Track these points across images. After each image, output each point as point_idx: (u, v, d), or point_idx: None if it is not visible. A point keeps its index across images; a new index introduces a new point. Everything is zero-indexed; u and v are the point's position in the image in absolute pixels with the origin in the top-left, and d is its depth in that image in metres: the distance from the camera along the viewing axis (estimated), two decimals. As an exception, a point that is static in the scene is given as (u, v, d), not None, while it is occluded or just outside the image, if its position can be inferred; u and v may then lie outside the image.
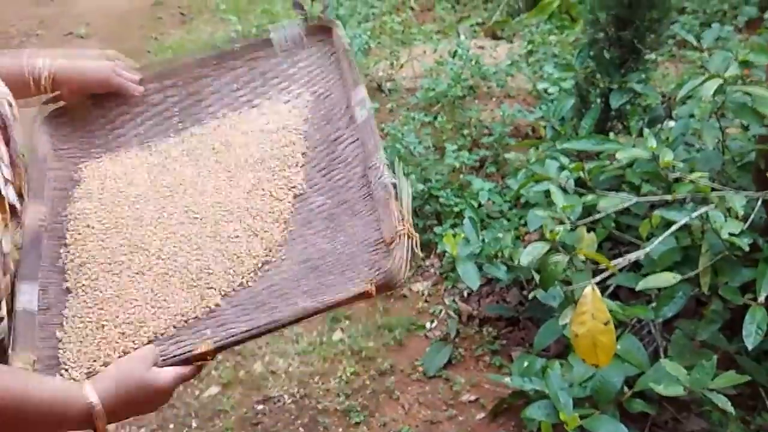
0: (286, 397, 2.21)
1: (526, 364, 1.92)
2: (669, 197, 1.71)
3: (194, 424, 2.15)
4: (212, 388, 2.24)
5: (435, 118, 3.08)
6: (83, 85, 1.31)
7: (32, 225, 1.18)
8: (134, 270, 1.15)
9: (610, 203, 1.74)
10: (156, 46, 4.35)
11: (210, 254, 1.15)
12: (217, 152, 1.29)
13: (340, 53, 1.37)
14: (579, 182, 1.85)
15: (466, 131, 3.01)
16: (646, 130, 1.83)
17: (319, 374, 2.27)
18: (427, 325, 2.39)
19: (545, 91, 3.03)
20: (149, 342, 1.08)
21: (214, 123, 1.35)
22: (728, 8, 3.80)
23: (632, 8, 2.21)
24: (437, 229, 2.59)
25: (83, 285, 1.15)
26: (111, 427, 1.01)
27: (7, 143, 1.13)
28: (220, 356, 2.27)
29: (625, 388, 1.75)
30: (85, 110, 1.35)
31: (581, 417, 1.65)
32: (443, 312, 2.42)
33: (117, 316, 1.10)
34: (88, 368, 1.06)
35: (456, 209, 2.62)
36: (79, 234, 1.21)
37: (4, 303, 1.08)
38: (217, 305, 1.11)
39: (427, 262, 2.61)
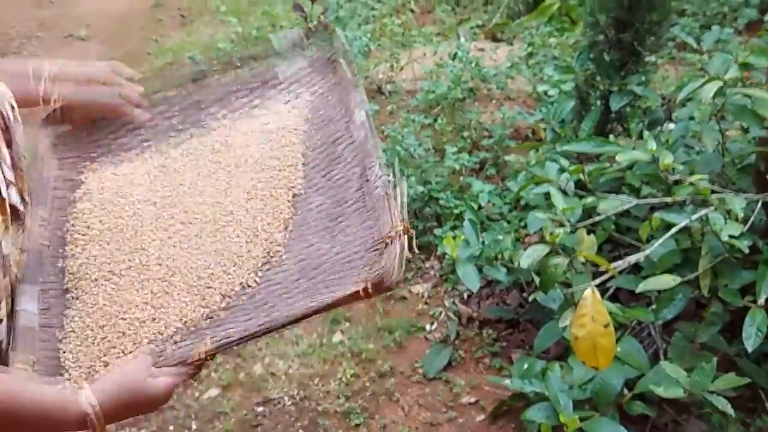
0: (286, 399, 2.21)
1: (526, 366, 1.92)
2: (669, 199, 1.71)
3: (194, 426, 2.15)
4: (212, 390, 2.24)
5: (435, 120, 3.08)
6: (91, 114, 1.32)
7: (32, 229, 1.18)
8: (134, 271, 1.15)
9: (610, 205, 1.74)
10: (156, 48, 4.35)
11: (210, 255, 1.16)
12: (216, 152, 1.29)
13: (340, 57, 1.37)
14: (579, 184, 1.85)
15: (466, 133, 3.02)
16: (646, 133, 1.83)
17: (319, 376, 2.27)
18: (427, 327, 2.40)
19: (545, 93, 3.04)
20: (149, 342, 1.08)
21: (214, 124, 1.36)
22: (728, 11, 3.80)
23: (632, 11, 2.21)
24: (437, 231, 2.59)
25: (83, 286, 1.15)
26: (110, 427, 1.02)
27: (9, 145, 1.13)
28: (220, 358, 2.27)
29: (625, 390, 1.75)
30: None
31: (581, 419, 1.65)
32: (443, 314, 2.42)
33: (117, 317, 1.10)
34: (89, 368, 1.07)
35: (456, 211, 2.62)
36: (80, 235, 1.21)
37: (3, 304, 1.09)
38: (216, 306, 1.12)
39: (427, 264, 2.61)
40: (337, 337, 2.39)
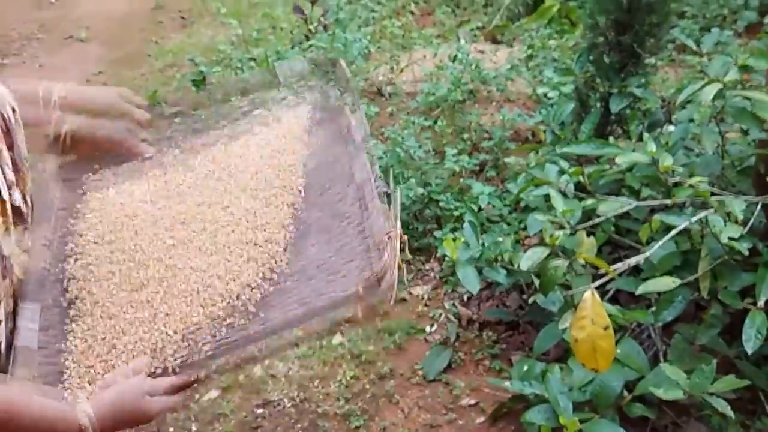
0: (285, 401, 2.21)
1: (525, 368, 1.92)
2: (669, 201, 1.71)
3: (194, 428, 2.15)
4: (212, 392, 2.25)
5: (435, 122, 3.08)
6: (98, 147, 1.34)
7: (35, 249, 1.21)
8: (134, 284, 1.17)
9: (610, 207, 1.74)
10: (156, 50, 4.35)
11: (210, 268, 1.18)
12: (218, 179, 1.33)
13: (341, 84, 1.42)
14: (579, 186, 1.85)
15: (466, 135, 3.02)
16: (645, 135, 1.83)
17: (319, 378, 2.27)
18: (427, 329, 2.39)
19: (545, 95, 3.03)
20: (149, 341, 1.10)
21: (215, 132, 1.39)
22: (728, 13, 3.81)
23: (632, 13, 2.22)
24: (437, 233, 2.59)
25: (84, 299, 1.16)
26: None
27: (11, 147, 1.13)
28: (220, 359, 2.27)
29: (625, 392, 1.75)
30: None
31: (581, 421, 1.65)
32: (443, 316, 2.42)
33: (117, 329, 1.12)
34: (88, 368, 1.09)
35: (456, 213, 2.62)
36: (81, 248, 1.23)
37: (3, 305, 1.09)
38: (216, 319, 1.14)
39: (427, 266, 2.61)
40: (336, 339, 2.39)
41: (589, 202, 1.78)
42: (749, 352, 1.59)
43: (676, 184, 1.73)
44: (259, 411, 2.19)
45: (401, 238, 1.09)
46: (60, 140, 1.27)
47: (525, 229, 2.28)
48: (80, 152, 1.33)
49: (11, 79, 1.20)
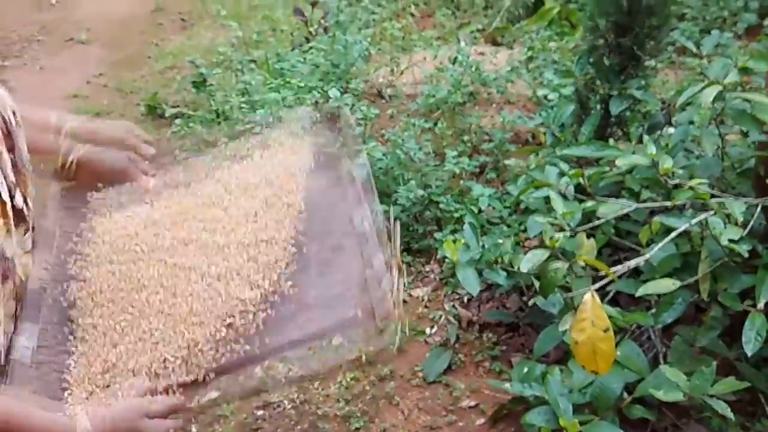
0: (285, 402, 2.21)
1: (525, 370, 1.92)
2: (668, 204, 1.71)
3: (194, 430, 2.15)
4: (212, 393, 2.24)
5: (435, 124, 3.08)
6: (101, 175, 1.37)
7: (35, 272, 1.22)
8: (135, 306, 1.17)
9: (610, 209, 1.74)
10: (156, 52, 4.35)
11: (208, 293, 1.18)
12: (218, 182, 1.35)
13: (344, 130, 1.45)
14: (579, 188, 1.85)
15: (466, 137, 3.02)
16: (645, 137, 1.84)
17: (319, 380, 2.26)
18: (427, 330, 2.39)
19: (545, 97, 3.04)
20: (150, 372, 1.12)
21: (219, 153, 1.43)
22: (728, 15, 3.81)
23: (632, 15, 2.22)
24: (437, 235, 2.59)
25: (85, 319, 1.17)
26: None
27: (11, 149, 1.14)
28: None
29: (625, 394, 1.75)
30: None
31: (581, 423, 1.65)
32: (443, 317, 2.42)
33: (117, 350, 1.13)
34: (88, 397, 1.10)
35: (456, 215, 2.62)
36: (83, 270, 1.24)
37: (2, 306, 1.09)
38: (217, 341, 1.17)
39: (427, 268, 2.62)
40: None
41: (589, 204, 1.78)
42: (749, 354, 1.59)
43: (676, 186, 1.73)
44: (259, 413, 2.19)
45: (401, 271, 1.13)
46: (66, 167, 1.31)
47: (525, 231, 2.28)
48: (82, 179, 1.36)
49: (25, 106, 1.24)
